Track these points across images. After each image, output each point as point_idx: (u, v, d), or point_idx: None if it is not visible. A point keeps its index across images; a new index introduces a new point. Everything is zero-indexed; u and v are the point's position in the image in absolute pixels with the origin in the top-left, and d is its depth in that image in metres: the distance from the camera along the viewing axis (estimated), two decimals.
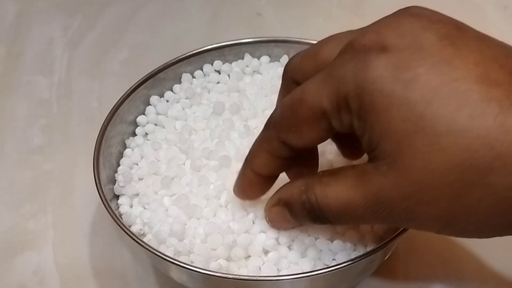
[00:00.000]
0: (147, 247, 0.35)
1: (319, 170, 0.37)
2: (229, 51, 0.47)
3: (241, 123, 0.42)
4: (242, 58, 0.47)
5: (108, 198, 0.38)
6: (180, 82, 0.46)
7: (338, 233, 0.36)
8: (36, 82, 0.56)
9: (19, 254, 0.44)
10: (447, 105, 0.28)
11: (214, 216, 0.37)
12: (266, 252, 0.36)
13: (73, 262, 0.43)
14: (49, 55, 0.59)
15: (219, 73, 0.47)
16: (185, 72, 0.46)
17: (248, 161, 0.35)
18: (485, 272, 0.41)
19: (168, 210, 0.38)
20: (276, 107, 0.34)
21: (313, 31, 0.56)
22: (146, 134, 0.44)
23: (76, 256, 0.43)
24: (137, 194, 0.40)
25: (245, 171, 0.35)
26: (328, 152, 0.40)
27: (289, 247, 0.36)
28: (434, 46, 0.29)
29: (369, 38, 0.30)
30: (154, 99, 0.45)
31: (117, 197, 0.40)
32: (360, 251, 0.36)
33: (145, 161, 0.41)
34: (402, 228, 0.34)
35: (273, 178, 0.36)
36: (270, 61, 0.47)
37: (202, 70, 0.47)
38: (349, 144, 0.36)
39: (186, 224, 0.37)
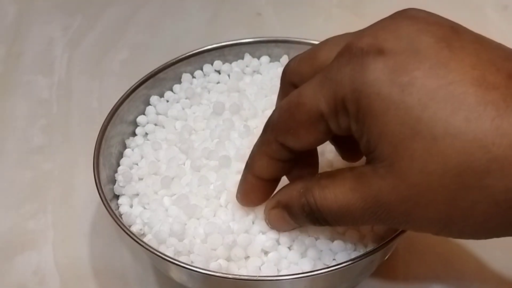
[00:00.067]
0: (147, 247, 0.35)
1: (319, 170, 0.37)
2: (229, 51, 0.47)
3: (241, 123, 0.42)
4: (242, 58, 0.47)
5: (108, 198, 0.38)
6: (180, 82, 0.46)
7: (338, 233, 0.36)
8: (36, 82, 0.56)
9: (19, 254, 0.44)
10: (443, 109, 0.28)
11: (214, 216, 0.37)
12: (266, 252, 0.36)
13: (73, 262, 0.43)
14: (49, 55, 0.59)
15: (219, 73, 0.47)
16: (185, 72, 0.46)
17: (249, 166, 0.35)
18: (485, 272, 0.41)
19: (168, 210, 0.38)
20: (274, 110, 0.34)
21: (313, 31, 0.56)
22: (146, 134, 0.44)
23: (76, 256, 0.43)
24: (137, 194, 0.40)
25: (246, 176, 0.35)
26: (328, 152, 0.40)
27: (289, 248, 0.36)
28: (430, 49, 0.29)
29: (366, 41, 0.30)
30: (154, 99, 0.45)
31: (117, 197, 0.40)
32: (360, 251, 0.36)
33: (145, 161, 0.41)
34: None
35: (274, 181, 0.36)
36: (270, 61, 0.47)
37: (202, 70, 0.47)
38: (347, 146, 0.36)
39: (186, 224, 0.37)
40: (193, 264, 0.35)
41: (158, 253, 0.35)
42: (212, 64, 0.47)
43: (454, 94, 0.28)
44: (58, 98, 0.55)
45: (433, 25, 0.30)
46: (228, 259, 0.36)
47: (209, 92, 0.45)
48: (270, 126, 0.34)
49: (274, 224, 0.36)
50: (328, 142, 0.37)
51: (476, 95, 0.28)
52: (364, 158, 0.32)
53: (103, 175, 0.39)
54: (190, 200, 0.38)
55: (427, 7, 0.32)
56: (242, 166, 0.36)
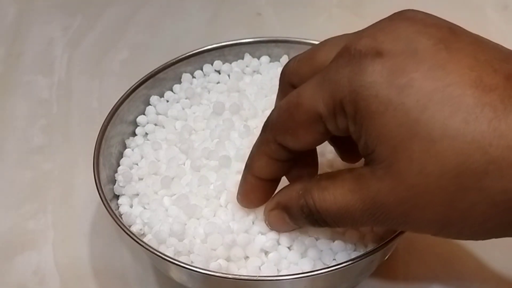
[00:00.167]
0: (147, 247, 0.35)
1: (319, 170, 0.37)
2: (229, 51, 0.47)
3: (241, 123, 0.42)
4: (242, 58, 0.47)
5: (108, 198, 0.38)
6: (180, 82, 0.46)
7: (338, 233, 0.36)
8: (36, 82, 0.56)
9: (19, 254, 0.44)
10: (441, 110, 0.28)
11: (214, 216, 0.37)
12: (266, 252, 0.36)
13: (73, 262, 0.43)
14: (49, 55, 0.59)
15: (219, 73, 0.47)
16: (185, 72, 0.46)
17: (248, 166, 0.35)
18: (485, 272, 0.41)
19: (168, 210, 0.38)
20: (273, 109, 0.34)
21: (313, 31, 0.56)
22: (146, 134, 0.44)
23: (76, 256, 0.43)
24: (137, 194, 0.40)
25: (246, 177, 0.35)
26: (328, 152, 0.40)
27: (289, 248, 0.36)
28: (428, 51, 0.29)
29: (364, 43, 0.30)
30: (154, 99, 0.45)
31: (117, 197, 0.40)
32: (360, 251, 0.36)
33: (145, 161, 0.41)
34: None
35: (274, 182, 0.36)
36: (270, 61, 0.47)
37: (202, 70, 0.47)
38: (347, 147, 0.37)
39: (186, 224, 0.37)
40: (193, 264, 0.35)
41: (158, 253, 0.35)
42: (212, 64, 0.47)
43: (452, 96, 0.28)
44: (58, 98, 0.55)
45: (431, 26, 0.30)
46: (228, 259, 0.36)
47: (209, 92, 0.45)
48: (269, 126, 0.34)
49: (274, 225, 0.36)
50: (328, 142, 0.37)
51: (474, 97, 0.28)
52: (363, 159, 0.32)
53: (103, 175, 0.39)
54: (190, 200, 0.38)
55: (427, 7, 0.32)
56: (242, 166, 0.36)
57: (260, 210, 0.36)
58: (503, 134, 0.27)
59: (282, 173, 0.35)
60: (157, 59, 0.46)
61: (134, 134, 0.44)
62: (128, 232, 0.36)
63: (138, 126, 0.44)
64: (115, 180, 0.41)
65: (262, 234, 0.36)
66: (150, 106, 0.45)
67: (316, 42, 0.39)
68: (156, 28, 0.61)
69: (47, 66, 0.58)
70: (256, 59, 0.47)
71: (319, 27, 0.60)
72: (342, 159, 0.38)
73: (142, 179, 0.40)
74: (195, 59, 0.46)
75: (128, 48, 0.59)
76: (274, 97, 0.38)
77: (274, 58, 0.47)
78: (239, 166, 0.38)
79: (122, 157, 0.42)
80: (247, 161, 0.35)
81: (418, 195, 0.29)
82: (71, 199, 0.47)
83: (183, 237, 0.36)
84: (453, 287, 0.40)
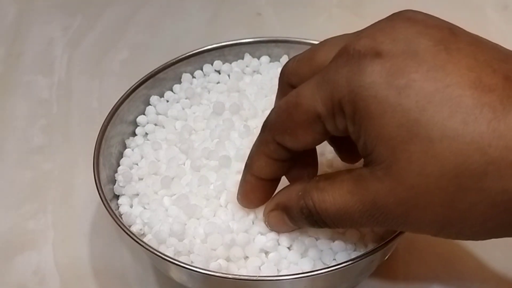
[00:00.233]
0: (147, 247, 0.35)
1: (319, 170, 0.37)
2: (229, 51, 0.47)
3: (241, 123, 0.42)
4: (242, 58, 0.47)
5: (108, 198, 0.38)
6: (180, 82, 0.46)
7: (339, 233, 0.36)
8: (36, 82, 0.56)
9: (19, 254, 0.44)
10: (440, 111, 0.28)
11: (214, 216, 0.37)
12: (266, 252, 0.36)
13: (73, 262, 0.43)
14: (49, 55, 0.59)
15: (219, 73, 0.47)
16: (185, 72, 0.46)
17: (248, 166, 0.35)
18: (485, 272, 0.41)
19: (168, 210, 0.38)
20: (272, 109, 0.34)
21: (313, 31, 0.56)
22: (146, 134, 0.44)
23: (76, 256, 0.43)
24: (137, 194, 0.40)
25: (246, 177, 0.35)
26: (328, 152, 0.40)
27: (289, 248, 0.36)
28: (428, 52, 0.29)
29: (364, 44, 0.30)
30: (154, 99, 0.45)
31: (117, 197, 0.40)
32: (361, 251, 0.36)
33: (145, 161, 0.41)
34: None
35: (274, 181, 0.36)
36: (270, 61, 0.47)
37: (202, 70, 0.47)
38: (346, 148, 0.37)
39: (186, 224, 0.37)
40: (193, 264, 0.35)
41: (158, 253, 0.35)
42: (212, 64, 0.47)
43: (451, 96, 0.28)
44: (58, 98, 0.55)
45: (431, 27, 0.30)
46: (228, 259, 0.36)
47: (209, 92, 0.45)
48: (268, 126, 0.34)
49: (274, 226, 0.36)
50: (327, 142, 0.37)
51: (473, 98, 0.28)
52: (363, 159, 0.32)
53: (103, 175, 0.39)
54: (190, 200, 0.38)
55: (427, 7, 0.32)
56: (242, 166, 0.36)
57: (260, 210, 0.36)
58: (502, 134, 0.27)
59: (282, 173, 0.35)
60: (157, 59, 0.46)
61: (134, 134, 0.44)
62: (128, 232, 0.36)
63: (138, 126, 0.44)
64: (115, 180, 0.41)
65: (262, 234, 0.36)
66: (150, 106, 0.45)
67: (316, 42, 0.39)
68: (156, 28, 0.61)
69: (47, 66, 0.58)
70: (256, 59, 0.47)
71: (319, 27, 0.60)
72: (342, 159, 0.38)
73: (142, 179, 0.40)
74: (195, 59, 0.46)
75: (128, 48, 0.59)
76: (274, 97, 0.38)
77: (274, 58, 0.47)
78: (239, 166, 0.38)
79: (122, 157, 0.42)
80: (247, 161, 0.35)
81: (417, 195, 0.29)
82: (71, 199, 0.47)
83: (183, 237, 0.36)
84: (454, 287, 0.40)
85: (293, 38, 0.47)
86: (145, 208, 0.39)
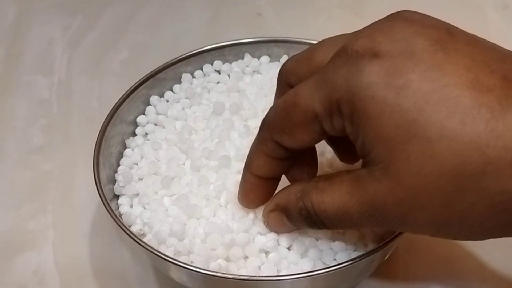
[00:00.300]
0: (147, 247, 0.35)
1: (319, 170, 0.37)
2: (229, 51, 0.47)
3: (241, 123, 0.42)
4: (242, 58, 0.47)
5: (108, 198, 0.38)
6: (180, 82, 0.46)
7: (339, 233, 0.36)
8: (36, 82, 0.56)
9: (19, 254, 0.44)
10: (438, 112, 0.28)
11: (214, 216, 0.37)
12: (266, 252, 0.36)
13: (73, 262, 0.43)
14: (49, 55, 0.59)
15: (219, 73, 0.47)
16: (185, 72, 0.46)
17: (247, 165, 0.35)
18: (485, 272, 0.41)
19: (168, 210, 0.38)
20: (270, 108, 0.34)
21: (313, 31, 0.56)
22: (146, 134, 0.44)
23: (76, 256, 0.43)
24: (137, 194, 0.40)
25: (245, 176, 0.35)
26: (328, 152, 0.40)
27: (289, 248, 0.36)
28: (425, 52, 0.29)
29: (362, 44, 0.30)
30: (154, 99, 0.45)
31: (117, 197, 0.40)
32: (361, 251, 0.36)
33: (145, 161, 0.41)
34: None
35: (274, 180, 0.36)
36: (270, 61, 0.47)
37: (202, 70, 0.47)
38: (345, 148, 0.37)
39: (186, 224, 0.37)
40: (193, 264, 0.35)
41: (158, 253, 0.35)
42: (212, 64, 0.47)
43: (449, 97, 0.28)
44: (58, 98, 0.55)
45: (428, 27, 0.30)
46: (228, 259, 0.36)
47: (209, 92, 0.45)
48: (266, 125, 0.34)
49: (273, 227, 0.36)
50: (326, 143, 0.37)
51: (471, 98, 0.28)
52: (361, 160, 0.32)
53: (103, 175, 0.39)
54: (190, 200, 0.38)
55: (427, 7, 0.32)
56: (242, 166, 0.36)
57: (260, 210, 0.36)
58: (500, 134, 0.27)
59: (281, 172, 0.35)
60: (157, 59, 0.46)
61: (134, 134, 0.44)
62: (128, 232, 0.36)
63: (138, 126, 0.44)
64: (115, 180, 0.41)
65: (261, 234, 0.36)
66: (150, 106, 0.45)
67: (316, 42, 0.39)
68: (156, 28, 0.61)
69: (47, 66, 0.58)
70: (256, 59, 0.47)
71: (319, 27, 0.60)
72: (341, 159, 0.38)
73: (142, 179, 0.40)
74: (195, 59, 0.46)
75: (128, 48, 0.59)
76: (273, 97, 0.39)
77: (274, 58, 0.47)
78: (239, 166, 0.38)
79: (122, 157, 0.42)
80: (246, 160, 0.35)
81: (416, 196, 0.29)
82: (71, 199, 0.47)
83: (183, 237, 0.36)
84: (453, 287, 0.40)
85: (293, 38, 0.47)
86: (145, 208, 0.39)
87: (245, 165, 0.36)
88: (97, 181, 0.38)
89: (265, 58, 0.47)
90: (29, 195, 0.47)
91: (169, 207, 0.38)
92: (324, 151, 0.39)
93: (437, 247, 0.42)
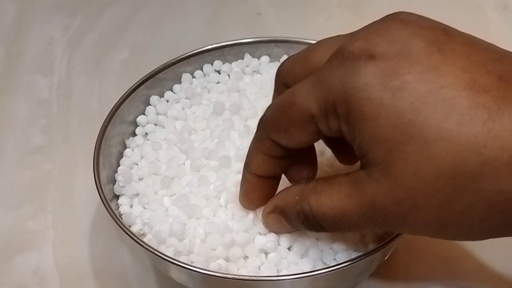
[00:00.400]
0: (147, 247, 0.35)
1: (319, 170, 0.37)
2: (229, 51, 0.47)
3: (241, 123, 0.42)
4: (242, 58, 0.47)
5: (108, 198, 0.38)
6: (180, 82, 0.46)
7: (339, 233, 0.36)
8: (36, 82, 0.56)
9: (19, 254, 0.44)
10: (435, 113, 0.28)
11: (214, 216, 0.37)
12: (265, 252, 0.36)
13: (73, 262, 0.43)
14: (49, 55, 0.59)
15: (219, 73, 0.47)
16: (185, 72, 0.46)
17: (246, 165, 0.35)
18: (485, 272, 0.41)
19: (168, 210, 0.38)
20: (268, 107, 0.34)
21: (313, 31, 0.56)
22: (146, 134, 0.44)
23: (76, 256, 0.43)
24: (137, 194, 0.40)
25: (245, 176, 0.36)
26: (329, 151, 0.39)
27: (289, 248, 0.36)
28: (421, 53, 0.29)
29: (358, 46, 0.30)
30: (154, 99, 0.45)
31: (117, 197, 0.40)
32: (361, 251, 0.36)
33: (145, 161, 0.41)
34: None
35: (274, 179, 0.36)
36: (270, 61, 0.47)
37: (202, 70, 0.47)
38: (342, 149, 0.37)
39: (186, 224, 0.37)
40: (193, 264, 0.35)
41: (158, 253, 0.35)
42: (212, 64, 0.47)
43: (446, 98, 0.28)
44: (58, 98, 0.55)
45: (424, 28, 0.30)
46: (228, 259, 0.36)
47: (209, 92, 0.45)
48: (263, 123, 0.34)
49: (272, 228, 0.36)
50: (325, 144, 0.37)
51: (468, 99, 0.28)
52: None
53: (103, 175, 0.39)
54: (190, 200, 0.38)
55: (426, 7, 0.32)
56: (242, 166, 0.36)
57: (261, 210, 0.36)
58: (497, 135, 0.27)
59: (281, 171, 0.35)
60: (157, 59, 0.46)
61: (134, 134, 0.44)
62: (128, 232, 0.36)
63: (138, 126, 0.44)
64: (115, 180, 0.41)
65: (261, 234, 0.36)
66: (150, 106, 0.45)
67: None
68: (156, 28, 0.62)
69: (47, 66, 0.58)
70: (256, 59, 0.47)
71: (319, 27, 0.60)
72: (339, 160, 0.38)
73: (142, 179, 0.40)
74: (195, 59, 0.46)
75: (128, 48, 0.59)
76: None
77: (274, 58, 0.47)
78: (239, 166, 0.38)
79: (122, 157, 0.42)
80: (245, 159, 0.35)
81: (414, 196, 0.29)
82: (71, 199, 0.47)
83: (183, 237, 0.36)
84: (453, 287, 0.40)
85: (293, 38, 0.47)
86: (145, 208, 0.39)
87: (244, 165, 0.36)
88: (97, 181, 0.38)
89: (265, 58, 0.47)
90: (29, 195, 0.47)
91: (169, 207, 0.38)
92: (325, 150, 0.39)
93: (437, 247, 0.42)
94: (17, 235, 0.45)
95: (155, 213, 0.38)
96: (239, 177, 0.36)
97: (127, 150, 0.43)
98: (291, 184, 0.36)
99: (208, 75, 0.46)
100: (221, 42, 0.47)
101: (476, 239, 0.30)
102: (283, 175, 0.36)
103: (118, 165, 0.42)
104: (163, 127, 0.44)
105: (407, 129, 0.28)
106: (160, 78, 0.45)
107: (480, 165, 0.27)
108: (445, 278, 0.41)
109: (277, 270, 0.36)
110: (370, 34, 0.30)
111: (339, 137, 0.32)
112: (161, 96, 0.45)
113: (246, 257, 0.36)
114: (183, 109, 0.45)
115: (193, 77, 0.47)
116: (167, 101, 0.45)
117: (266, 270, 0.35)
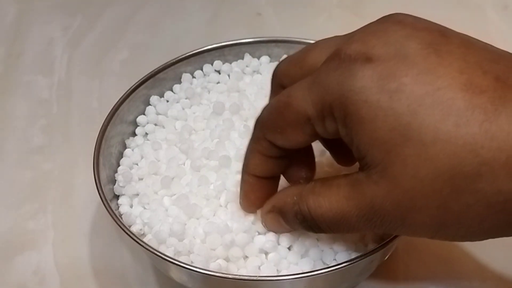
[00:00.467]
0: (147, 247, 0.35)
1: (319, 169, 0.37)
2: (229, 51, 0.47)
3: (241, 123, 0.42)
4: (242, 58, 0.47)
5: (108, 198, 0.38)
6: (180, 82, 0.46)
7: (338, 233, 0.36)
8: (36, 82, 0.56)
9: (19, 254, 0.44)
10: (432, 114, 0.28)
11: (214, 216, 0.37)
12: (265, 252, 0.36)
13: (73, 262, 0.43)
14: (49, 55, 0.59)
15: (219, 73, 0.47)
16: (185, 72, 0.46)
17: (245, 166, 0.35)
18: (485, 272, 0.41)
19: (168, 210, 0.38)
20: (264, 107, 0.34)
21: (313, 31, 0.56)
22: (146, 134, 0.44)
23: (76, 256, 0.43)
24: (137, 194, 0.40)
25: (244, 177, 0.36)
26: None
27: (289, 248, 0.36)
28: (418, 55, 0.29)
29: (354, 48, 0.30)
30: (154, 99, 0.45)
31: (117, 197, 0.40)
32: (361, 251, 0.36)
33: (145, 161, 0.41)
34: None
35: (272, 179, 0.36)
36: (270, 61, 0.47)
37: (202, 70, 0.47)
38: (339, 150, 0.37)
39: (186, 224, 0.37)
40: (193, 264, 0.35)
41: (158, 253, 0.35)
42: (212, 64, 0.47)
43: (443, 99, 0.28)
44: (58, 98, 0.55)
45: (421, 30, 0.30)
46: (228, 259, 0.36)
47: (209, 92, 0.45)
48: (259, 123, 0.34)
49: (270, 227, 0.36)
50: (323, 146, 0.37)
51: (464, 100, 0.28)
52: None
53: (103, 175, 0.39)
54: (190, 200, 0.38)
55: (426, 7, 0.32)
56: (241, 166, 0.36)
57: (260, 211, 0.36)
58: (494, 135, 0.27)
59: (279, 171, 0.35)
60: (157, 59, 0.46)
61: (134, 134, 0.44)
62: (128, 232, 0.36)
63: (138, 126, 0.44)
64: (115, 180, 0.41)
65: (261, 234, 0.36)
66: (150, 106, 0.45)
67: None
68: (156, 28, 0.62)
69: (47, 66, 0.58)
70: (256, 59, 0.47)
71: (319, 27, 0.60)
72: (338, 162, 0.38)
73: (142, 179, 0.40)
74: (195, 59, 0.46)
75: (128, 48, 0.59)
76: None
77: (274, 58, 0.47)
78: (239, 166, 0.38)
79: (122, 157, 0.42)
80: (243, 161, 0.35)
81: (413, 198, 0.29)
82: (71, 199, 0.47)
83: (183, 237, 0.36)
84: (453, 287, 0.40)
85: (293, 38, 0.47)
86: (145, 208, 0.39)
87: (242, 167, 0.36)
88: (97, 181, 0.38)
89: (265, 58, 0.47)
90: (29, 195, 0.47)
91: (169, 207, 0.38)
92: (325, 150, 0.39)
93: (437, 247, 0.42)
94: (17, 235, 0.45)
95: (155, 213, 0.38)
96: (239, 177, 0.36)
97: (127, 150, 0.43)
98: (288, 186, 0.36)
99: (208, 75, 0.46)
100: (221, 42, 0.47)
101: (475, 239, 0.31)
102: (282, 176, 0.36)
103: (118, 165, 0.42)
104: (163, 127, 0.44)
105: (405, 131, 0.28)
106: (160, 78, 0.45)
107: (478, 166, 0.27)
108: (445, 278, 0.41)
109: (277, 270, 0.36)
110: (366, 36, 0.30)
111: (336, 138, 0.32)
112: (161, 96, 0.45)
113: (246, 257, 0.36)
114: (183, 109, 0.45)
115: (193, 77, 0.47)
116: (167, 101, 0.45)
117: (266, 270, 0.35)
